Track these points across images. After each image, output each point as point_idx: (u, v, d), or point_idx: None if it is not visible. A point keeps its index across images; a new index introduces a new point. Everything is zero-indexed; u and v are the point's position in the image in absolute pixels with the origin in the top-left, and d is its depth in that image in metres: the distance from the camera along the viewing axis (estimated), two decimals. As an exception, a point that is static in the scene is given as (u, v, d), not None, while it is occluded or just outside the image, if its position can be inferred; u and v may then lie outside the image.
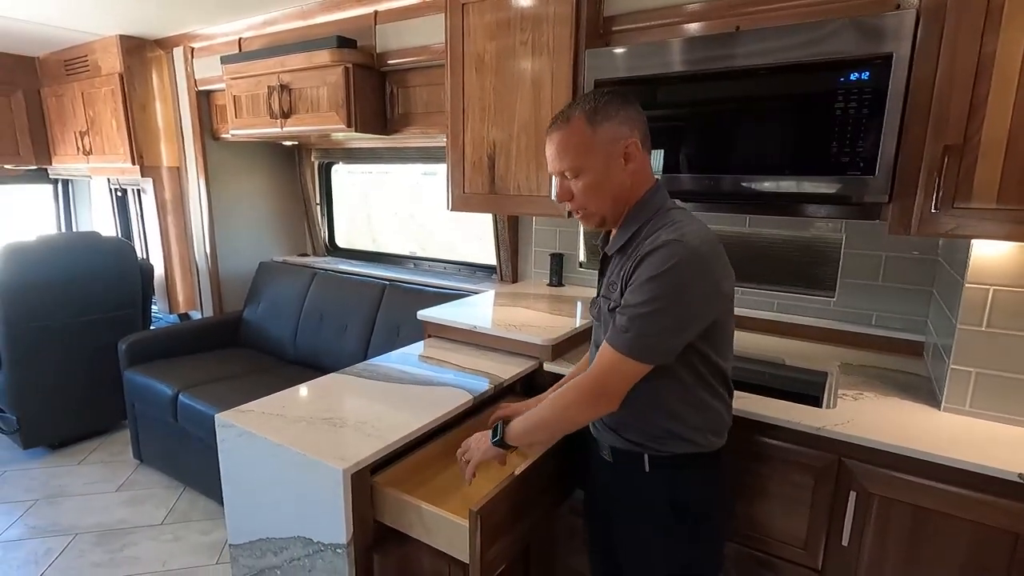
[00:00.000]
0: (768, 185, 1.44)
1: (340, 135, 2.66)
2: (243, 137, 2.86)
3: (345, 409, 1.38)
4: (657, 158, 1.58)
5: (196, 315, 3.51)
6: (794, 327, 1.88)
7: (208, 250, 3.31)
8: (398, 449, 1.24)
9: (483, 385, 1.51)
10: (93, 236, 3.09)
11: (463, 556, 1.08)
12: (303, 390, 1.48)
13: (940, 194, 1.21)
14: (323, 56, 2.33)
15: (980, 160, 1.17)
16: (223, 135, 3.15)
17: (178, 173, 3.33)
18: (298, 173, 3.42)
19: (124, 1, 2.53)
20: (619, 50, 1.61)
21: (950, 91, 1.18)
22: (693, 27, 1.63)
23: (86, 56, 3.25)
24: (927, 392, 1.44)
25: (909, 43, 1.23)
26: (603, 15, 1.78)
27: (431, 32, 2.18)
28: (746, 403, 1.34)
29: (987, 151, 1.16)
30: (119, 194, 3.82)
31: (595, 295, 1.22)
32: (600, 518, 1.29)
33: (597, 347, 1.14)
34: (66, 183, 4.28)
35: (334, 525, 1.15)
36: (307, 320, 2.90)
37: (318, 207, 3.42)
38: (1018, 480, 1.07)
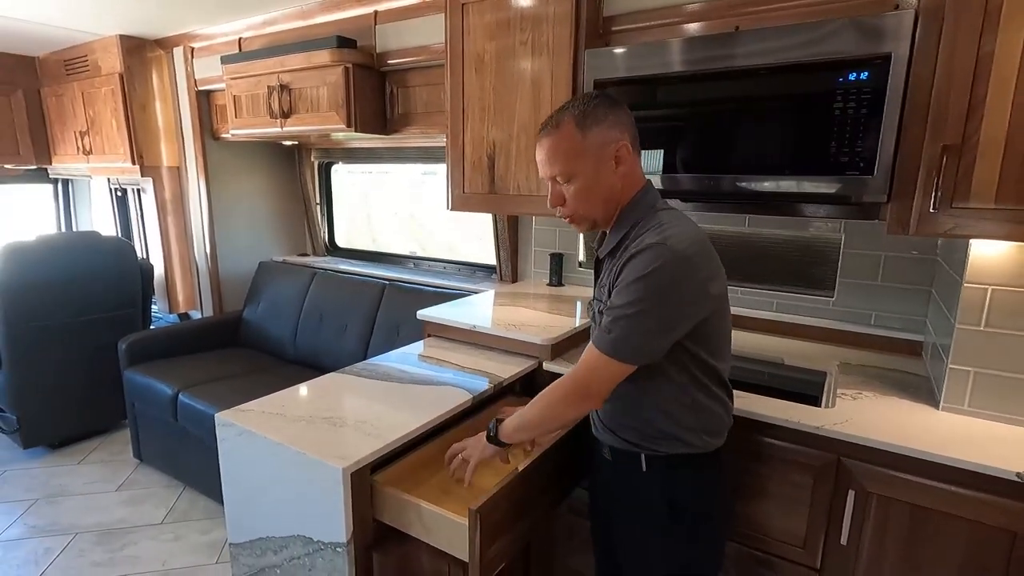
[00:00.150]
0: (767, 185, 1.44)
1: (340, 135, 2.66)
2: (243, 137, 2.86)
3: (345, 408, 1.38)
4: (657, 158, 1.58)
5: (196, 315, 3.51)
6: (793, 327, 1.88)
7: (208, 250, 3.31)
8: (398, 448, 1.24)
9: (483, 384, 1.52)
10: (93, 236, 3.09)
11: (463, 555, 1.08)
12: (303, 389, 1.48)
13: (939, 194, 1.21)
14: (323, 56, 2.33)
15: (978, 160, 1.17)
16: (223, 135, 3.15)
17: (178, 173, 3.33)
18: (298, 173, 3.42)
19: (124, 1, 2.53)
20: (619, 50, 1.62)
21: (949, 91, 1.18)
22: (693, 27, 1.63)
23: (86, 56, 3.25)
24: (926, 391, 1.45)
25: (908, 43, 1.24)
26: (603, 15, 1.78)
27: (431, 32, 2.18)
28: (745, 403, 1.35)
29: (985, 151, 1.16)
30: (119, 194, 3.82)
31: (591, 297, 1.23)
32: (601, 516, 1.30)
33: None
34: (66, 183, 4.29)
35: (334, 524, 1.15)
36: (307, 320, 2.90)
37: (318, 207, 3.43)
38: (1016, 479, 1.07)
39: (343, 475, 1.11)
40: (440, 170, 2.84)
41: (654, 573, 1.16)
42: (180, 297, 3.46)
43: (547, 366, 1.68)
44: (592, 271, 1.25)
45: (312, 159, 3.34)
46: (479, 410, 1.50)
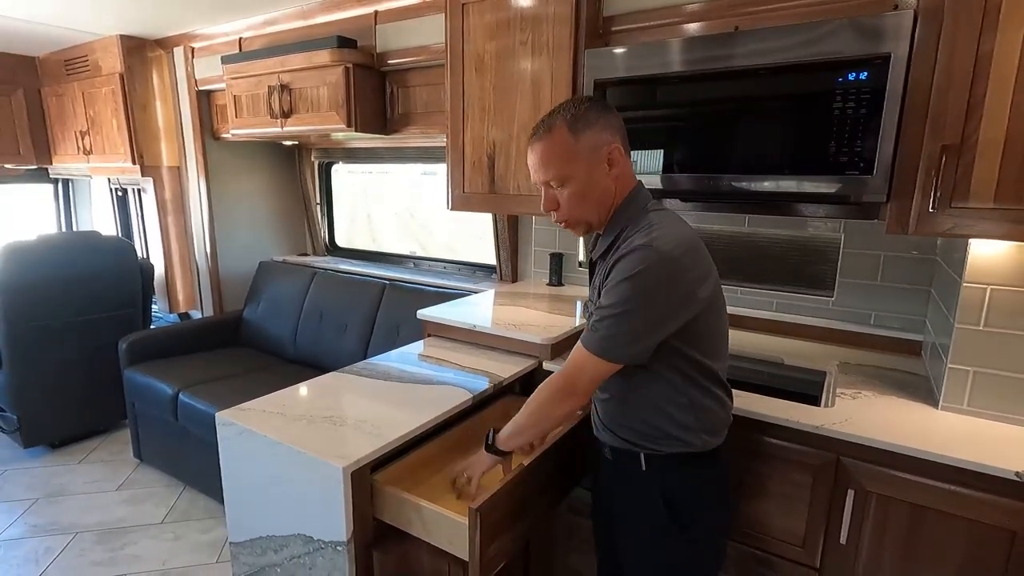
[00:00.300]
0: (767, 185, 1.44)
1: (340, 135, 2.66)
2: (243, 137, 2.87)
3: (345, 408, 1.38)
4: (656, 158, 1.58)
5: (196, 314, 3.51)
6: (793, 327, 1.88)
7: (208, 249, 3.31)
8: (398, 447, 1.24)
9: (482, 384, 1.52)
10: (93, 235, 3.09)
11: (463, 554, 1.08)
12: (303, 389, 1.48)
13: (938, 194, 1.21)
14: (323, 56, 2.33)
15: (977, 160, 1.17)
16: (223, 135, 3.15)
17: (178, 173, 3.34)
18: (298, 173, 3.43)
19: (124, 1, 2.53)
20: (619, 50, 1.62)
21: (948, 91, 1.18)
22: (692, 27, 1.63)
23: (86, 56, 3.25)
24: (925, 391, 1.45)
25: (907, 43, 1.24)
26: (602, 15, 1.78)
27: (431, 32, 2.18)
28: (745, 402, 1.35)
29: (984, 150, 1.16)
30: (119, 194, 3.82)
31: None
32: (603, 516, 1.31)
33: None
34: (66, 183, 4.29)
35: (334, 523, 1.15)
36: (307, 319, 2.91)
37: (318, 207, 3.43)
38: (1015, 478, 1.07)
39: (343, 474, 1.11)
40: (440, 170, 2.84)
41: (654, 572, 1.16)
42: (180, 297, 3.46)
43: (547, 365, 1.68)
44: (591, 272, 1.25)
45: (312, 159, 3.34)
46: (479, 409, 1.50)
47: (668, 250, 0.99)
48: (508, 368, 1.64)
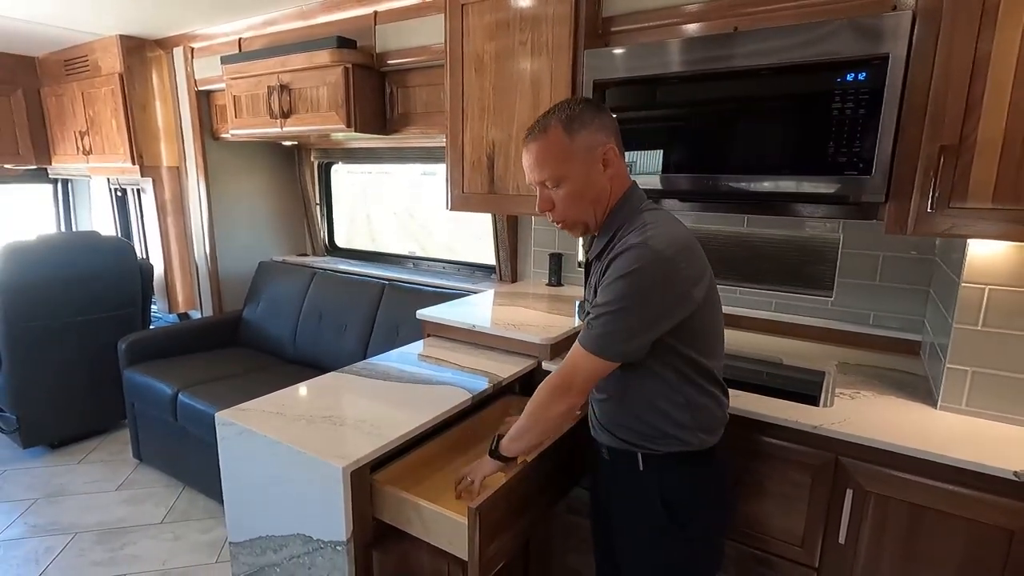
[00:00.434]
0: (766, 185, 1.45)
1: (340, 135, 2.67)
2: (243, 137, 2.87)
3: (344, 407, 1.38)
4: (655, 158, 1.58)
5: (196, 315, 3.51)
6: (792, 327, 1.89)
7: (208, 250, 3.31)
8: (397, 447, 1.25)
9: (482, 384, 1.52)
10: (93, 236, 3.09)
11: (462, 553, 1.08)
12: (303, 389, 1.49)
13: (936, 194, 1.21)
14: (323, 56, 2.33)
15: (976, 160, 1.17)
16: (223, 135, 3.15)
17: (178, 173, 3.34)
18: (298, 173, 3.43)
19: (124, 1, 2.53)
20: (618, 50, 1.62)
21: (946, 91, 1.19)
22: (692, 28, 1.63)
23: (86, 56, 3.25)
24: (924, 391, 1.45)
25: (905, 44, 1.24)
26: (602, 15, 1.79)
27: (431, 32, 2.19)
28: (744, 402, 1.35)
29: (983, 151, 1.16)
30: (119, 194, 3.82)
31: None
32: (601, 516, 1.31)
33: None
34: (66, 183, 4.29)
35: (334, 522, 1.16)
36: (306, 320, 2.91)
37: (318, 207, 3.43)
38: (1014, 478, 1.08)
39: (343, 474, 1.11)
40: (440, 170, 2.84)
41: (652, 571, 1.17)
42: (180, 297, 3.46)
43: (546, 365, 1.68)
44: (591, 272, 1.25)
45: (312, 159, 3.34)
46: (478, 409, 1.50)
47: (661, 248, 0.99)
48: (507, 368, 1.64)
